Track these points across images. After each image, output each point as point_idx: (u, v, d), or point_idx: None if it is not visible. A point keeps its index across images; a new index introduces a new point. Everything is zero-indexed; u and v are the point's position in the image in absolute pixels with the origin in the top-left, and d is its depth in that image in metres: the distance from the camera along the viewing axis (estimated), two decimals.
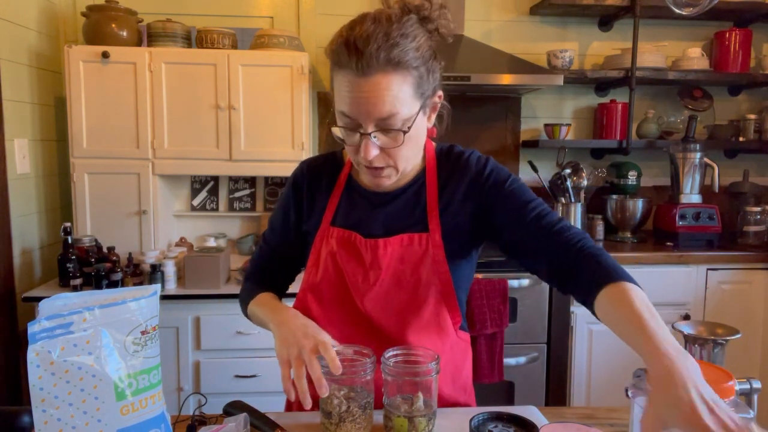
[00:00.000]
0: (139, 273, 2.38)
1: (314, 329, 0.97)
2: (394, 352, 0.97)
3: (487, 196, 1.06)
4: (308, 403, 0.87)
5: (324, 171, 1.15)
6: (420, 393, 0.93)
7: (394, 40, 0.89)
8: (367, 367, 0.93)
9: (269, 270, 1.23)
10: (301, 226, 1.17)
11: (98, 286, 2.21)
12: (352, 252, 1.08)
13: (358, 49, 0.87)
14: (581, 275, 0.94)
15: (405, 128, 0.93)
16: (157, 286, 0.84)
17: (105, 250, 2.36)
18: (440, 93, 1.02)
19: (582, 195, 2.89)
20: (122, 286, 2.27)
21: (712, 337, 0.99)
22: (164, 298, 2.21)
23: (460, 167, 1.08)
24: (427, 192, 1.07)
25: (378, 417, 0.98)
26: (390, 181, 1.01)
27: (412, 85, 0.92)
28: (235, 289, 2.29)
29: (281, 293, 1.23)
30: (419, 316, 1.07)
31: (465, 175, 1.07)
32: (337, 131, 0.97)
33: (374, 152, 0.93)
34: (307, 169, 1.17)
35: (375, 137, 0.93)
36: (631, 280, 0.88)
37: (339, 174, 1.14)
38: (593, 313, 0.90)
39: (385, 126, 0.92)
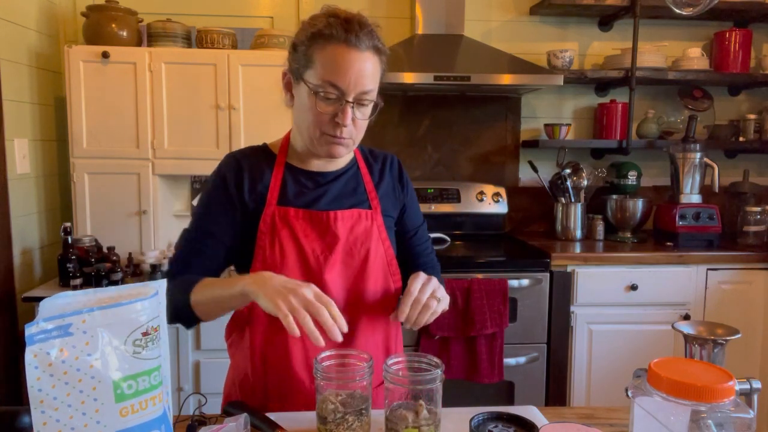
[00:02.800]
0: (139, 273, 2.38)
1: (302, 283, 0.97)
2: (396, 360, 0.96)
3: (405, 194, 1.28)
4: (321, 341, 0.90)
5: (256, 158, 1.20)
6: (422, 401, 0.92)
7: (377, 33, 1.07)
8: (364, 372, 0.93)
9: (203, 265, 1.14)
10: (240, 211, 1.15)
11: (98, 287, 2.20)
12: (311, 226, 1.14)
13: (353, 27, 1.03)
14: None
15: (371, 105, 1.11)
16: (161, 284, 0.83)
17: (105, 250, 2.36)
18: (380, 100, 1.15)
19: (582, 195, 2.89)
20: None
21: (712, 337, 0.99)
22: None
23: (387, 163, 1.28)
24: (363, 177, 1.23)
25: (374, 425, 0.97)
26: (346, 151, 1.13)
27: (380, 73, 1.10)
28: None
29: None
30: (369, 286, 1.16)
31: (391, 170, 1.28)
32: (308, 98, 1.07)
33: (350, 118, 1.06)
34: (239, 156, 1.20)
35: (352, 106, 1.06)
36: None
37: (274, 161, 1.20)
38: None
39: (361, 99, 1.07)
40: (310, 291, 0.93)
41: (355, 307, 1.15)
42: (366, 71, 1.05)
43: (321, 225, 1.14)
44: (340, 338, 0.91)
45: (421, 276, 1.08)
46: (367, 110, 1.10)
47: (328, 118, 1.07)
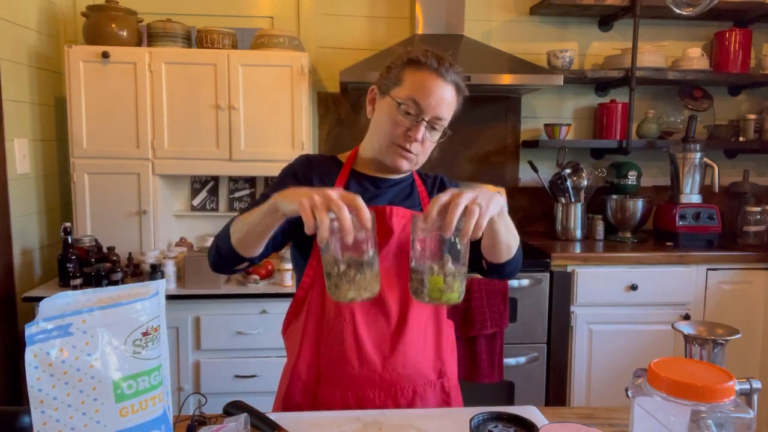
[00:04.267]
0: (139, 273, 2.38)
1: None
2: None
3: None
4: (349, 237, 0.87)
5: (325, 163, 1.29)
6: (448, 254, 0.92)
7: (461, 76, 1.20)
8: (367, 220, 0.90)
9: None
10: None
11: (98, 287, 2.20)
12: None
13: (445, 63, 1.17)
14: None
15: (441, 132, 1.20)
16: (161, 284, 0.83)
17: (105, 250, 2.36)
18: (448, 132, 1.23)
19: (582, 195, 2.89)
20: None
21: (712, 337, 0.99)
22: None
23: (438, 180, 1.36)
24: (417, 186, 1.32)
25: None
26: (409, 165, 1.21)
27: (455, 108, 1.21)
28: (235, 289, 2.29)
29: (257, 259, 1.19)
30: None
31: (441, 185, 1.35)
32: (388, 110, 1.17)
33: (421, 135, 1.16)
34: (311, 157, 1.31)
35: (426, 126, 1.16)
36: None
37: (340, 167, 1.28)
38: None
39: (434, 123, 1.17)
40: (335, 192, 0.91)
41: (405, 309, 1.19)
42: (445, 99, 1.16)
43: (377, 218, 1.13)
44: (350, 240, 0.88)
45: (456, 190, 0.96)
46: (437, 135, 1.20)
47: (403, 131, 1.17)
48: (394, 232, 1.20)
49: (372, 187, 1.27)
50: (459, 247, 0.92)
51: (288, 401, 1.21)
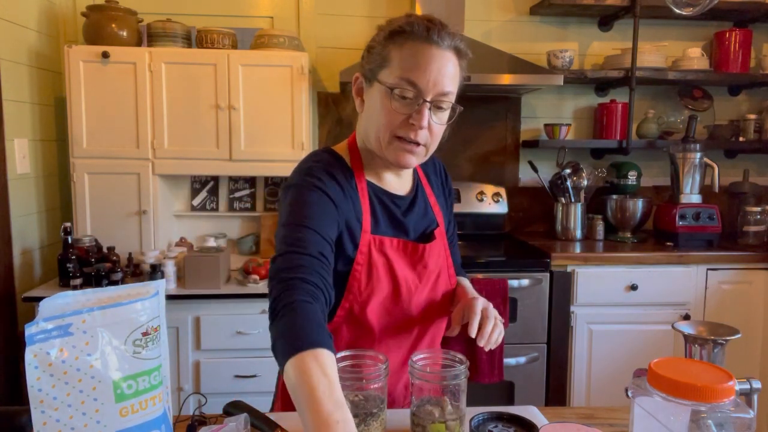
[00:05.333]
0: (139, 273, 2.38)
1: None
2: (422, 356, 0.96)
3: (447, 197, 1.27)
4: None
5: (340, 173, 1.07)
6: (447, 397, 0.92)
7: (461, 35, 1.03)
8: (380, 373, 0.92)
9: (320, 276, 0.92)
10: (339, 221, 1.03)
11: (98, 287, 2.20)
12: (404, 256, 1.11)
13: (436, 25, 0.99)
14: None
15: (449, 110, 1.03)
16: (161, 284, 0.83)
17: (105, 250, 2.36)
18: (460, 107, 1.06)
19: (582, 195, 2.89)
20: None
21: (712, 337, 0.99)
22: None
23: (437, 169, 1.26)
24: (426, 190, 1.20)
25: (392, 422, 0.97)
26: (416, 161, 1.05)
27: (460, 77, 1.03)
28: (236, 289, 2.29)
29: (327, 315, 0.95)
30: (438, 295, 1.16)
31: (437, 174, 1.26)
32: (381, 99, 1.00)
33: (426, 120, 0.99)
34: (326, 173, 1.05)
35: (429, 108, 0.99)
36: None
37: (352, 176, 1.09)
38: None
39: (439, 101, 0.99)
40: None
41: (428, 315, 1.16)
42: (446, 71, 0.98)
43: (415, 256, 1.12)
44: None
45: (480, 300, 1.08)
46: (444, 115, 1.02)
47: (402, 120, 0.99)
48: (428, 268, 1.13)
49: (397, 210, 1.12)
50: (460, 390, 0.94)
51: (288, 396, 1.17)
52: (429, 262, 1.12)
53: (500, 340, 1.03)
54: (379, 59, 1.01)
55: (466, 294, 1.16)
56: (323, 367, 0.76)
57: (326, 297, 0.92)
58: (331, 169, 1.06)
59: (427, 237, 1.16)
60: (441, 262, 1.16)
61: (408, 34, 0.98)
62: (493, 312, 1.05)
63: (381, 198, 1.11)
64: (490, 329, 1.01)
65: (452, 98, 1.01)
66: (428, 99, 0.98)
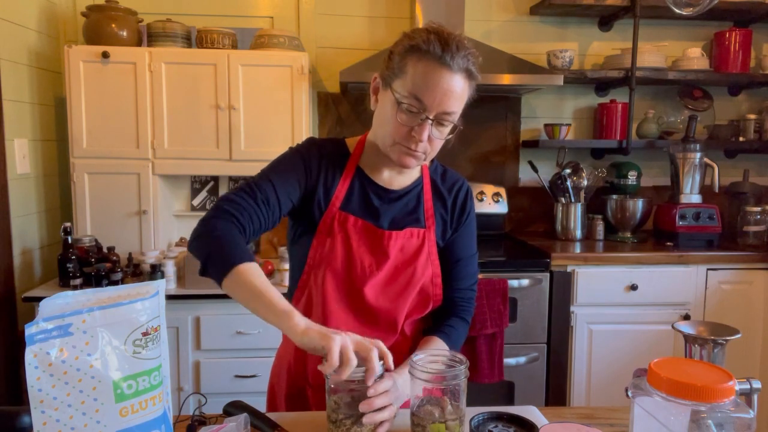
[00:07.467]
0: (139, 273, 2.38)
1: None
2: (422, 356, 0.95)
3: (460, 226, 1.28)
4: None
5: (332, 151, 1.20)
6: (447, 397, 0.92)
7: (476, 58, 1.10)
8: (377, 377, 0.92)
9: (250, 217, 1.07)
10: (303, 196, 1.16)
11: (98, 287, 2.20)
12: (367, 241, 1.16)
13: (451, 47, 1.04)
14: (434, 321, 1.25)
15: (450, 127, 1.10)
16: (161, 284, 0.83)
17: (105, 250, 2.36)
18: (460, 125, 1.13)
19: (582, 195, 2.89)
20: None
21: (712, 337, 0.99)
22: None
23: (455, 189, 1.27)
24: (424, 196, 1.24)
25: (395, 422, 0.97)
26: (417, 163, 1.13)
27: (468, 97, 1.11)
28: None
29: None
30: (408, 303, 1.18)
31: (457, 196, 1.27)
32: (391, 107, 1.07)
33: (427, 135, 1.07)
34: (317, 144, 1.20)
35: (431, 123, 1.06)
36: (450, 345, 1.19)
37: (346, 161, 1.20)
38: None
39: (441, 119, 1.07)
40: (374, 351, 0.90)
41: (386, 305, 1.16)
42: (453, 92, 1.05)
43: (375, 240, 1.16)
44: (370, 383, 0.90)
45: (403, 376, 1.01)
46: (446, 130, 1.10)
47: (406, 131, 1.07)
48: (390, 258, 1.16)
49: (376, 198, 1.19)
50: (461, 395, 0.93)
51: (283, 382, 1.22)
52: (391, 251, 1.16)
53: (385, 426, 0.94)
54: (397, 69, 1.08)
55: (416, 352, 1.02)
56: (259, 276, 0.98)
57: (247, 238, 1.08)
58: (325, 145, 1.19)
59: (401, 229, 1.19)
60: (411, 259, 1.18)
61: (424, 52, 1.04)
62: (396, 397, 0.97)
63: (363, 183, 1.19)
64: (379, 405, 0.92)
65: (455, 117, 1.09)
66: (431, 117, 1.05)
